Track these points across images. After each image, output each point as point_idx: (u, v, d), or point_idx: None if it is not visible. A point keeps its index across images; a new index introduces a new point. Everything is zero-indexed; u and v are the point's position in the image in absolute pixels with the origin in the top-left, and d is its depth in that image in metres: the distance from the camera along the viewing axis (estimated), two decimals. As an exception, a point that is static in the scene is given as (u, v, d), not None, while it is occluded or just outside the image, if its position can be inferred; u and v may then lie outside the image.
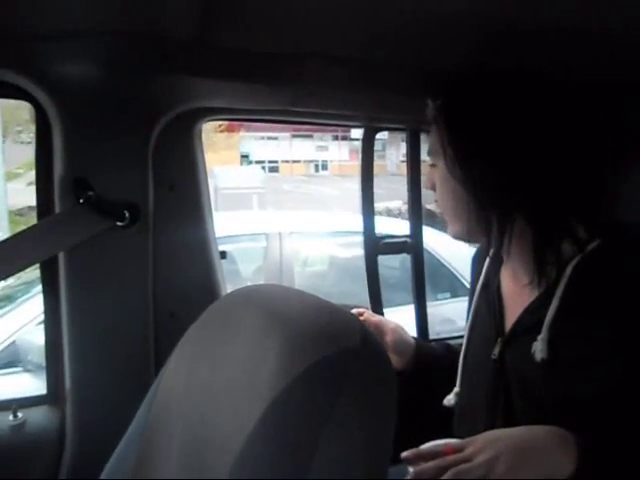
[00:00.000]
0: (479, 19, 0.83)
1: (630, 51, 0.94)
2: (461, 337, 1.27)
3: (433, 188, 0.96)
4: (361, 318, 1.14)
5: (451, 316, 2.71)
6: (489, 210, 0.86)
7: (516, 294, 0.94)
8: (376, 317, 1.15)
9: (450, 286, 3.37)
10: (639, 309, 0.79)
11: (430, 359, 1.13)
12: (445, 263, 3.36)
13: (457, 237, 0.96)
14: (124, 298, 1.11)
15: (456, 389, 1.00)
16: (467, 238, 0.95)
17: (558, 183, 0.84)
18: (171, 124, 1.11)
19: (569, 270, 0.84)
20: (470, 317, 1.02)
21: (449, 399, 1.00)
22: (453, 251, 3.53)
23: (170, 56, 0.93)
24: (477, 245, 1.15)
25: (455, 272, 3.36)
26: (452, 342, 1.36)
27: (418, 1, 0.76)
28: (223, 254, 1.30)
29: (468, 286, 3.51)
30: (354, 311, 1.14)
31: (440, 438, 0.84)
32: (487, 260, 1.03)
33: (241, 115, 1.25)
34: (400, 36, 0.91)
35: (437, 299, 3.20)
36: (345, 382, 0.56)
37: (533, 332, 0.85)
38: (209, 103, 1.17)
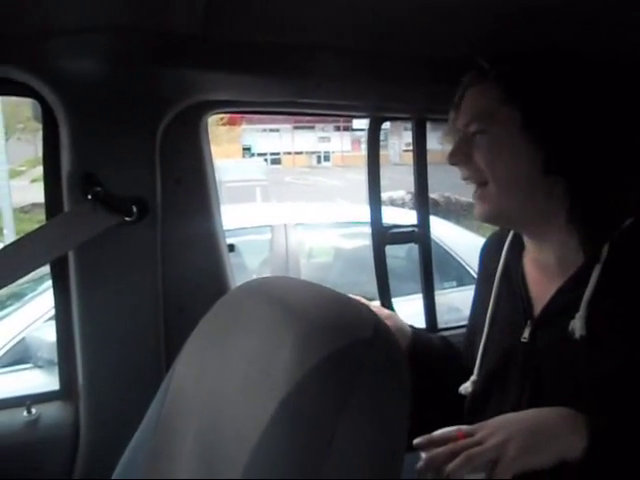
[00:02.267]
0: (483, 5, 0.82)
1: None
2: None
3: (464, 161, 0.91)
4: None
5: (458, 304, 2.71)
6: (557, 179, 0.86)
7: (541, 278, 0.95)
8: (370, 304, 1.15)
9: (456, 275, 3.37)
10: None
11: (427, 348, 1.13)
12: (451, 252, 3.36)
13: (498, 216, 0.93)
14: (133, 293, 1.11)
15: (473, 377, 1.00)
16: (512, 216, 0.92)
17: (619, 153, 0.86)
18: (177, 118, 1.11)
19: (606, 247, 0.85)
20: (491, 305, 1.01)
21: (466, 387, 1.00)
22: (459, 240, 3.54)
23: (175, 50, 0.94)
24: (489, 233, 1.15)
25: (461, 261, 3.36)
26: (458, 331, 1.37)
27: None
28: (231, 247, 1.30)
29: (474, 275, 3.50)
30: None
31: (447, 426, 0.85)
32: (505, 247, 1.02)
33: (247, 107, 1.25)
34: (405, 26, 0.91)
35: (444, 288, 3.20)
36: (359, 372, 0.56)
37: (568, 312, 0.85)
38: (215, 96, 1.17)
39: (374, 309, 1.11)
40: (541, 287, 0.94)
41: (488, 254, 1.10)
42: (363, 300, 1.16)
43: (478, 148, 0.89)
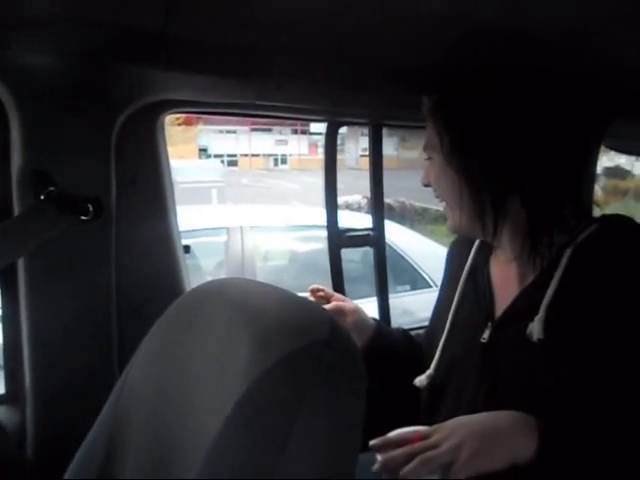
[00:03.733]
0: (441, 19, 0.84)
1: (603, 51, 0.97)
2: (421, 328, 1.30)
3: (429, 184, 1.01)
4: (320, 294, 1.15)
5: (411, 308, 2.76)
6: (483, 195, 0.92)
7: (505, 281, 0.98)
8: (337, 296, 1.17)
9: (410, 279, 3.42)
10: (632, 293, 0.83)
11: (388, 341, 1.16)
12: (405, 256, 3.40)
13: (456, 229, 1.01)
14: (86, 294, 1.09)
15: (429, 371, 1.03)
16: (466, 229, 0.99)
17: (548, 170, 0.90)
18: (134, 116, 1.09)
19: (567, 254, 0.89)
20: (454, 303, 1.04)
21: (421, 380, 1.03)
22: (413, 244, 3.59)
23: (133, 47, 0.92)
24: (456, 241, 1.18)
25: (415, 265, 3.41)
26: (413, 333, 1.39)
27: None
28: (187, 248, 1.29)
29: (427, 279, 3.55)
30: (312, 287, 1.16)
31: (406, 419, 0.86)
32: (473, 249, 1.07)
33: (206, 108, 1.24)
34: (365, 33, 0.92)
35: (397, 291, 3.24)
36: (316, 372, 0.56)
37: (527, 315, 0.88)
38: (173, 95, 1.15)
39: (341, 301, 1.14)
40: (505, 290, 0.98)
41: (456, 255, 1.14)
42: (328, 289, 1.17)
43: (431, 172, 1.00)
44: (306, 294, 1.14)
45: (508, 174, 0.90)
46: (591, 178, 0.95)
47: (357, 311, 1.15)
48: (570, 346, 0.85)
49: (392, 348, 1.15)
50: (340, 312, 1.13)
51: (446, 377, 1.00)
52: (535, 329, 0.86)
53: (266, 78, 1.06)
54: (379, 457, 0.80)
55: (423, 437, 0.80)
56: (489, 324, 0.96)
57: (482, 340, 0.95)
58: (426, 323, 1.21)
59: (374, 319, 1.18)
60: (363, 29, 0.90)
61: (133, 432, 0.70)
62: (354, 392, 0.59)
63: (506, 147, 0.90)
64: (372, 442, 0.80)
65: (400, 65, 1.07)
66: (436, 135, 0.96)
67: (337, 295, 1.18)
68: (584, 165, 0.94)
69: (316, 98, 1.24)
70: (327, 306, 1.13)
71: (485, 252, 1.05)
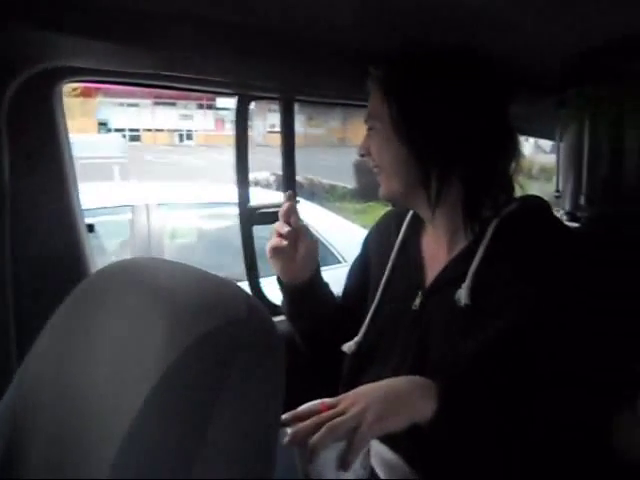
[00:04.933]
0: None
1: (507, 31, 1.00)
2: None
3: (368, 152, 1.04)
4: (289, 206, 1.10)
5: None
6: (428, 166, 0.97)
7: (436, 252, 1.04)
8: (302, 223, 1.13)
9: (320, 255, 3.45)
10: (549, 264, 0.90)
11: (321, 289, 1.18)
12: (315, 233, 3.43)
13: (390, 198, 1.05)
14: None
15: (357, 338, 1.06)
16: (401, 198, 1.04)
17: (487, 146, 0.96)
18: (26, 85, 1.00)
19: (493, 225, 0.96)
20: (386, 274, 1.09)
21: (349, 346, 1.06)
22: (322, 221, 3.63)
23: (23, 7, 0.84)
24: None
25: (325, 241, 3.45)
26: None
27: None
28: (90, 227, 1.22)
29: (337, 255, 3.59)
30: (287, 193, 1.15)
31: (321, 390, 0.88)
32: (405, 223, 1.11)
33: (107, 77, 1.16)
34: (276, 4, 0.90)
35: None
36: (235, 352, 0.55)
37: (455, 282, 0.95)
38: (69, 62, 1.07)
39: (304, 224, 1.10)
40: (434, 261, 1.04)
41: (388, 225, 1.17)
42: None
43: (372, 142, 1.04)
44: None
45: (452, 147, 0.95)
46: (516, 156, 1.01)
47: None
48: (492, 311, 0.91)
49: (322, 300, 1.17)
50: (302, 234, 1.10)
51: (374, 344, 1.04)
52: (462, 295, 0.93)
53: (173, 47, 1.01)
54: (288, 430, 0.81)
55: (330, 407, 0.82)
56: (419, 292, 1.01)
57: (413, 308, 1.01)
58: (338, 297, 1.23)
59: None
60: (277, 1, 0.87)
61: (37, 423, 0.65)
62: (274, 371, 0.58)
63: (449, 121, 0.95)
64: (282, 416, 0.81)
65: (314, 40, 1.05)
66: (382, 105, 0.99)
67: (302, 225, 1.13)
68: (513, 143, 1.00)
69: (226, 71, 1.21)
70: (299, 224, 1.10)
71: (416, 225, 1.10)
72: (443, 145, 0.96)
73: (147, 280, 0.67)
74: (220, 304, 0.60)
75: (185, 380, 0.54)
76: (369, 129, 1.04)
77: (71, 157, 1.16)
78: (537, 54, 1.15)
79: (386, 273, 1.09)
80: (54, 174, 1.13)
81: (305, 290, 1.14)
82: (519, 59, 1.14)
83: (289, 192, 1.16)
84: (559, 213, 1.82)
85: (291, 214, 1.11)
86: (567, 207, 1.82)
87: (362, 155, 1.06)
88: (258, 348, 0.58)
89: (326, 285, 1.20)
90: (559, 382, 0.87)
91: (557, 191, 1.87)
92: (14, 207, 1.02)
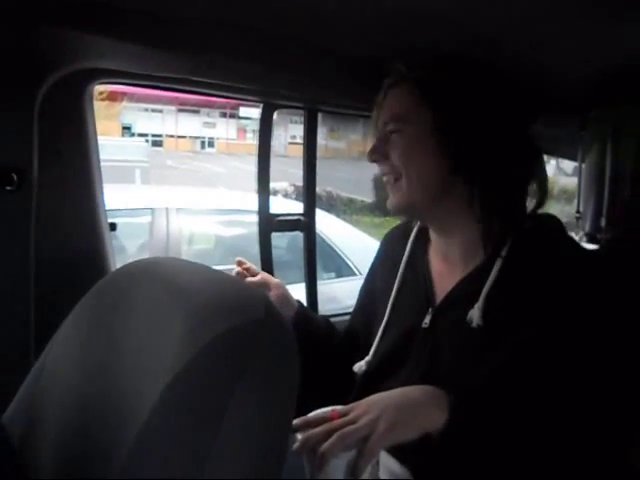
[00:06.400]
0: (389, 10, 0.85)
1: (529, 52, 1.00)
2: (346, 314, 1.32)
3: (383, 157, 0.97)
4: (244, 267, 1.15)
5: (337, 295, 2.79)
6: (458, 176, 0.93)
7: (446, 269, 1.01)
8: (259, 271, 1.17)
9: (336, 266, 3.45)
10: (564, 286, 0.88)
11: (310, 324, 1.17)
12: (331, 244, 3.43)
13: (407, 207, 0.99)
14: (0, 269, 1.03)
15: (368, 357, 1.05)
16: (420, 208, 0.98)
17: (509, 163, 0.93)
18: (60, 84, 1.03)
19: (509, 243, 0.93)
20: (394, 291, 1.06)
21: (360, 366, 1.05)
22: (339, 233, 3.63)
23: (61, 9, 0.87)
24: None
25: (340, 253, 3.45)
26: (338, 319, 1.41)
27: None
28: (113, 226, 1.24)
29: (352, 267, 3.57)
30: (239, 259, 1.17)
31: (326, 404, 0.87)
32: (411, 238, 1.09)
33: (136, 80, 1.19)
34: (308, 15, 0.91)
35: (323, 278, 3.27)
36: (251, 351, 0.56)
37: (468, 302, 0.92)
38: (102, 64, 1.10)
39: (260, 276, 1.13)
40: (444, 278, 1.00)
41: (392, 244, 1.16)
42: (250, 264, 1.17)
43: (394, 146, 0.96)
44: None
45: (481, 161, 0.92)
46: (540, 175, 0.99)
47: (281, 287, 1.15)
48: (505, 333, 0.89)
49: (314, 331, 1.16)
50: (265, 284, 1.14)
51: (384, 362, 1.03)
52: (475, 315, 0.91)
53: (198, 53, 1.03)
54: (298, 436, 0.81)
55: (341, 415, 0.82)
56: (430, 309, 0.99)
57: (424, 325, 0.98)
58: (350, 309, 1.23)
59: (298, 301, 1.19)
60: (307, 12, 0.89)
61: (55, 411, 0.67)
62: (289, 372, 0.59)
63: (485, 134, 0.92)
64: (293, 422, 0.81)
65: (341, 51, 1.07)
66: (418, 107, 0.94)
67: (262, 272, 1.18)
68: (538, 163, 0.98)
69: (253, 78, 1.22)
70: (252, 279, 1.14)
71: (423, 241, 1.07)
72: (475, 157, 0.92)
73: (168, 278, 0.68)
74: (239, 304, 0.60)
75: (201, 378, 0.55)
76: (391, 132, 0.97)
77: (98, 157, 1.18)
78: (560, 75, 1.16)
79: (394, 290, 1.06)
80: (81, 173, 1.15)
81: (295, 327, 1.11)
82: (542, 79, 1.14)
83: (238, 259, 1.17)
84: (579, 234, 1.81)
85: (244, 277, 1.14)
86: (587, 228, 1.81)
87: (374, 160, 0.99)
88: (274, 350, 0.58)
89: (315, 316, 1.21)
90: (574, 401, 0.86)
91: (578, 212, 1.85)
92: (40, 202, 1.04)
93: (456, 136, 0.92)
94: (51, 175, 1.07)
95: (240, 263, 1.16)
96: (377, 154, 0.98)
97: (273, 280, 1.16)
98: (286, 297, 1.15)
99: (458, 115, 0.92)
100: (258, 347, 0.57)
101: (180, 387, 0.54)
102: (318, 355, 1.13)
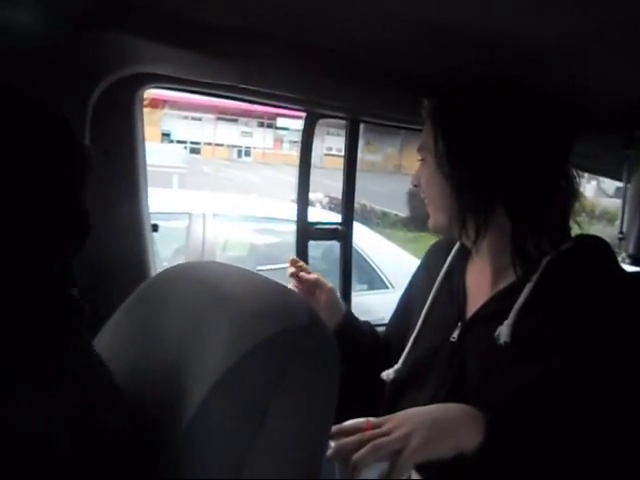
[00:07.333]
0: (435, 26, 0.85)
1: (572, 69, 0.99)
2: (377, 326, 1.32)
3: (419, 183, 1.04)
4: (298, 265, 1.16)
5: (369, 307, 2.78)
6: (469, 204, 0.95)
7: (480, 285, 1.01)
8: (314, 273, 1.18)
9: (368, 278, 3.45)
10: (600, 309, 0.86)
11: (356, 330, 1.18)
12: (365, 256, 3.43)
13: (437, 229, 1.04)
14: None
15: (397, 366, 1.05)
16: (447, 231, 1.02)
17: (535, 183, 0.92)
18: (113, 87, 1.06)
19: (544, 263, 0.93)
20: (428, 302, 1.07)
21: (388, 374, 1.05)
22: (373, 245, 3.62)
23: (116, 15, 0.89)
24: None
25: (374, 265, 3.44)
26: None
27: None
28: (155, 227, 1.26)
29: (385, 280, 3.55)
30: (292, 258, 1.18)
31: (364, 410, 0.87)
32: (452, 252, 1.10)
33: (186, 86, 1.21)
34: (354, 28, 0.92)
35: (355, 290, 3.26)
36: (294, 357, 0.56)
37: (497, 318, 0.91)
38: (154, 69, 1.12)
39: (316, 275, 1.14)
40: (478, 293, 1.01)
41: (435, 256, 1.16)
42: (305, 264, 1.19)
43: (422, 173, 1.03)
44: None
45: (496, 185, 0.93)
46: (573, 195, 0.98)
47: (333, 291, 1.17)
48: (533, 352, 0.88)
49: (359, 338, 1.17)
50: (318, 285, 1.15)
51: (412, 372, 1.03)
52: (503, 332, 0.90)
53: (247, 62, 1.05)
54: (332, 444, 0.81)
55: (375, 426, 0.82)
56: (459, 324, 0.99)
57: (452, 339, 0.98)
58: (382, 322, 1.23)
59: (346, 307, 1.20)
60: (354, 25, 0.90)
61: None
62: (329, 379, 0.59)
63: (497, 159, 0.92)
64: None
65: (386, 65, 1.07)
66: (432, 138, 0.98)
67: (317, 273, 1.19)
68: (567, 180, 0.96)
69: (299, 87, 1.24)
70: (308, 276, 1.15)
71: (463, 256, 1.08)
72: (485, 184, 0.93)
73: (211, 282, 0.69)
74: (283, 311, 0.61)
75: (245, 380, 0.55)
76: (421, 160, 1.04)
77: (144, 159, 1.21)
78: (604, 93, 1.13)
79: (428, 302, 1.07)
80: (128, 173, 1.18)
81: (339, 333, 1.11)
82: (585, 96, 1.12)
83: (292, 258, 1.20)
84: (621, 256, 1.77)
85: (298, 275, 1.16)
86: (630, 250, 1.76)
87: (415, 185, 1.05)
88: (316, 357, 0.59)
89: (360, 323, 1.21)
90: (613, 422, 0.83)
91: (621, 232, 1.81)
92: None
93: (457, 167, 0.95)
94: (98, 175, 1.09)
95: (294, 262, 1.17)
96: (414, 180, 1.06)
97: (327, 284, 1.16)
98: (335, 302, 1.17)
99: (459, 144, 0.95)
100: (300, 354, 0.57)
101: (223, 390, 0.55)
102: (359, 363, 1.13)
